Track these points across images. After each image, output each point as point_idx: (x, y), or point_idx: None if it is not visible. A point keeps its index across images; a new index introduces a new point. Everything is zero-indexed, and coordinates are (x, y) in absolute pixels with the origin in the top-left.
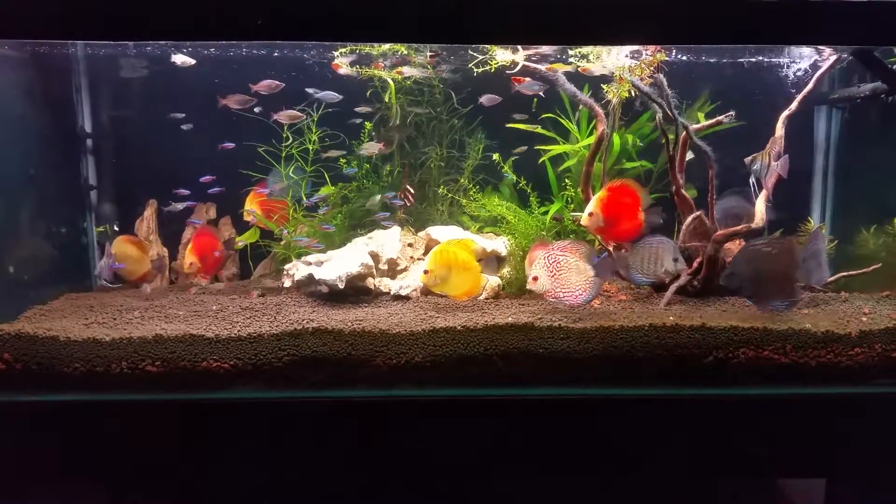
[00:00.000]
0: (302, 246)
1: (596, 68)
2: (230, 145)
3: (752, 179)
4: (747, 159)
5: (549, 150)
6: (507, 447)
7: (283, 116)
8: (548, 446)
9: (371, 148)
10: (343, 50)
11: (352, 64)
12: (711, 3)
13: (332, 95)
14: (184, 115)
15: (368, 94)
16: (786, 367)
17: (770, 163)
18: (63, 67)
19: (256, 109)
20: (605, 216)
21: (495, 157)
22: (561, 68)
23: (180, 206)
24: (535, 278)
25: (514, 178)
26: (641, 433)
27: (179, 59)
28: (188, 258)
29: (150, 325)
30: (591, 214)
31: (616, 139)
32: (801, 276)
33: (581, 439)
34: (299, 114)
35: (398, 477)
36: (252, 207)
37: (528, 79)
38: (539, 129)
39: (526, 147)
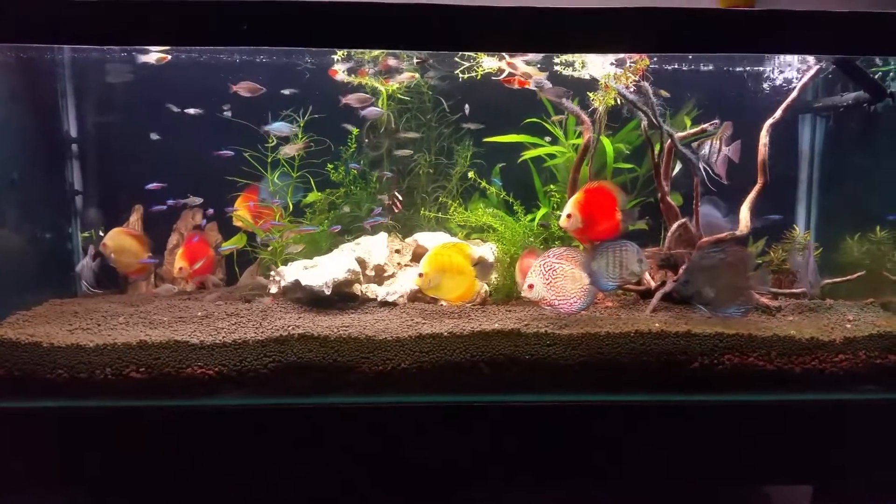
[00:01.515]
0: (290, 241)
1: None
2: (228, 153)
3: (700, 164)
4: (695, 144)
5: (534, 151)
6: (493, 454)
7: (370, 114)
8: (534, 453)
9: (289, 150)
10: (340, 55)
11: (349, 71)
12: (691, 12)
13: (376, 111)
14: (158, 128)
15: None
16: (771, 373)
17: (721, 147)
18: (48, 72)
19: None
20: (583, 217)
21: (471, 175)
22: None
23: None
24: (531, 286)
25: (496, 190)
26: (627, 439)
27: (153, 57)
28: (178, 262)
29: (135, 331)
30: (569, 216)
31: (609, 146)
32: (754, 283)
33: (567, 446)
34: (379, 109)
35: (382, 483)
36: (240, 212)
37: (530, 84)
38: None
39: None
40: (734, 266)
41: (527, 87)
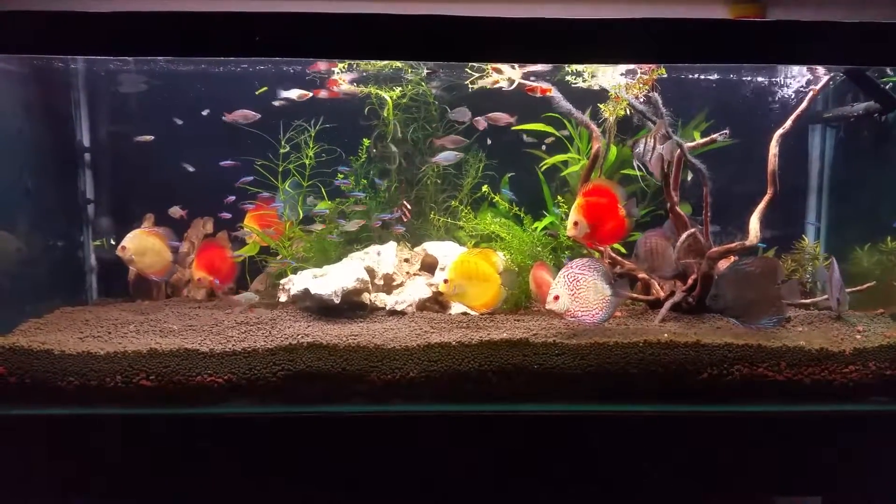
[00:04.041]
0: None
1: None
2: (232, 163)
3: (636, 163)
4: (630, 142)
5: (550, 159)
6: (500, 463)
7: (441, 160)
8: (542, 463)
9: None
10: (342, 66)
11: (351, 82)
12: (701, 23)
13: (464, 112)
14: (153, 137)
15: (367, 110)
16: (780, 384)
17: (655, 145)
18: (62, 82)
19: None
20: (589, 222)
21: (485, 188)
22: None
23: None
24: (557, 297)
25: (506, 201)
26: (636, 450)
27: (295, 93)
28: (196, 273)
29: (145, 339)
30: (576, 224)
31: (613, 152)
32: (784, 294)
33: (575, 456)
34: (463, 138)
35: (389, 492)
36: (250, 225)
37: (552, 91)
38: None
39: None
40: (763, 277)
41: (549, 94)
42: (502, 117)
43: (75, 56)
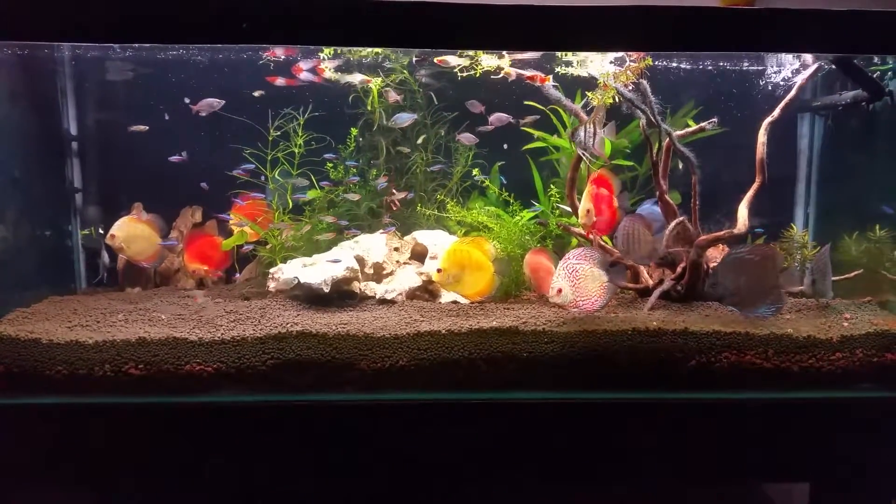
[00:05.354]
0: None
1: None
2: (180, 158)
3: (579, 151)
4: (569, 131)
5: (542, 135)
6: (490, 451)
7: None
8: (531, 451)
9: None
10: (328, 52)
11: (336, 69)
12: (691, 11)
13: (407, 117)
14: (147, 127)
15: (351, 98)
16: (768, 371)
17: (596, 130)
18: (48, 69)
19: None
20: (597, 211)
21: (475, 172)
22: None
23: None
24: (560, 290)
25: (495, 189)
26: (624, 437)
27: (357, 78)
28: (191, 266)
29: (134, 328)
30: (588, 211)
31: (607, 143)
32: (784, 283)
33: (564, 444)
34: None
35: (381, 481)
36: (238, 219)
37: (549, 80)
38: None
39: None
40: (762, 265)
41: (547, 83)
42: (392, 95)
43: (60, 42)
